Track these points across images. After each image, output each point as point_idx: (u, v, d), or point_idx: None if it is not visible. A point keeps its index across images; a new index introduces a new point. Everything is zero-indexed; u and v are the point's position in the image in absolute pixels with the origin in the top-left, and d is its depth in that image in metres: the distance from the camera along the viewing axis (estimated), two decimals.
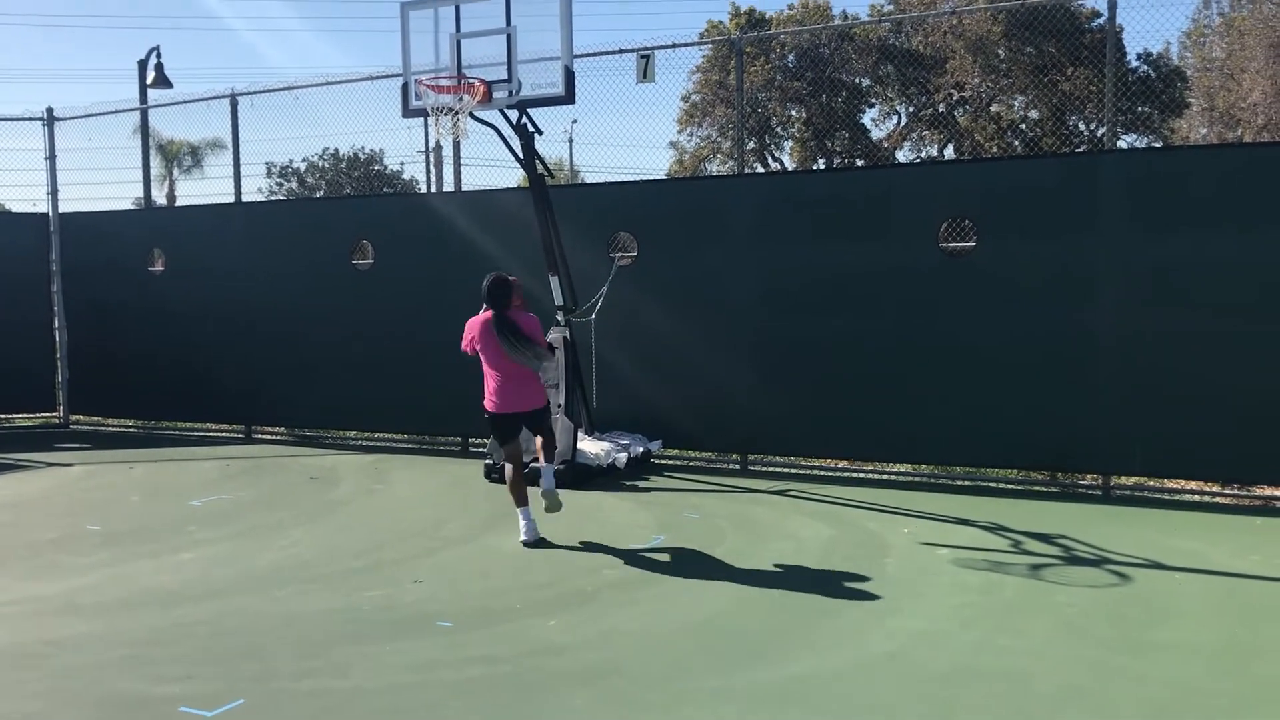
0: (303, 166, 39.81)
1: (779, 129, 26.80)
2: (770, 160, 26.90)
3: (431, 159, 22.96)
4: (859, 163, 25.48)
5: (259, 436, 12.07)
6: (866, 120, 26.82)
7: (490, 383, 7.03)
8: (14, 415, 13.38)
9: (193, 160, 36.98)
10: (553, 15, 8.34)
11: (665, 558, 6.75)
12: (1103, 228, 8.23)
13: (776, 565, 6.55)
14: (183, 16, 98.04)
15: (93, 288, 12.80)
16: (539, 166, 9.08)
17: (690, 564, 6.62)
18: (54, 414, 13.30)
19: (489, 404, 7.07)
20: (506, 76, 8.46)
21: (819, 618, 5.54)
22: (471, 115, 8.60)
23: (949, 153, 25.54)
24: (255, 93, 11.64)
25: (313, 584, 6.29)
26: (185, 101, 12.29)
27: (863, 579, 6.21)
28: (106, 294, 12.66)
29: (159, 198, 39.14)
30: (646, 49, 9.64)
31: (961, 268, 8.86)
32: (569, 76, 8.34)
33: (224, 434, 12.35)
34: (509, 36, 8.40)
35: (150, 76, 18.29)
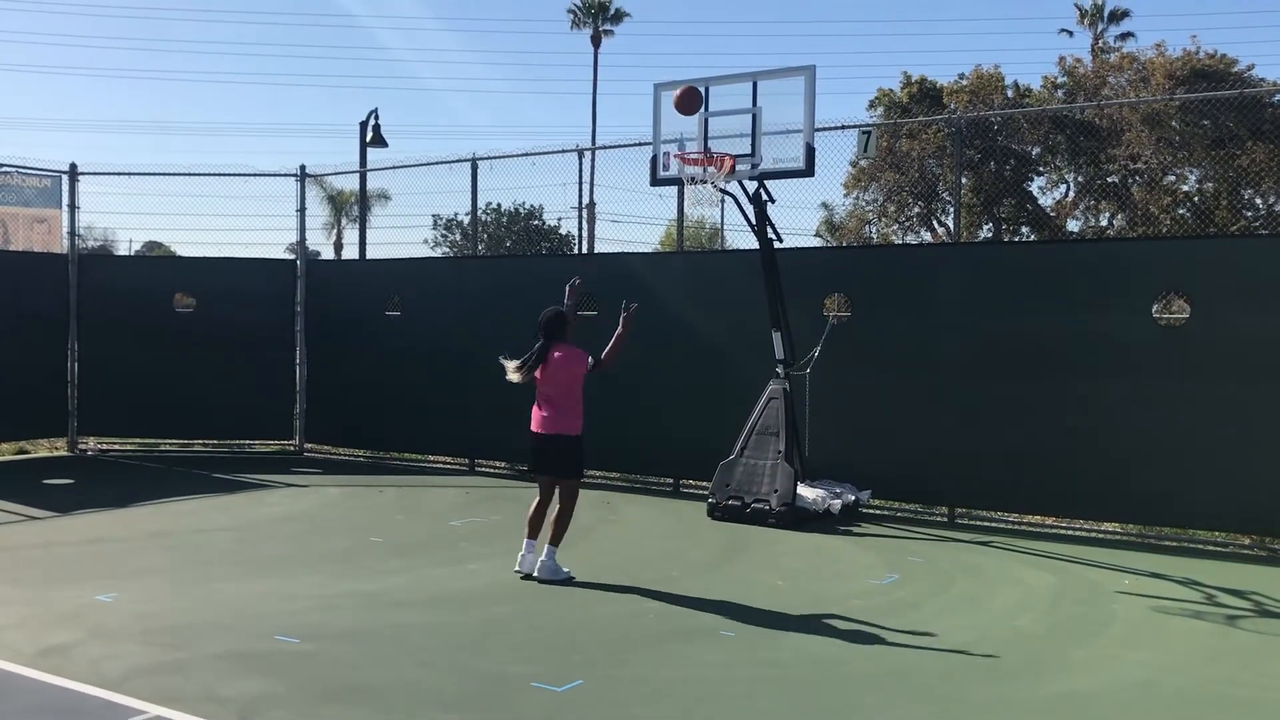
0: (465, 220, 41.88)
1: (945, 195, 27.33)
2: (936, 224, 27.42)
3: (584, 215, 24.36)
4: (1024, 230, 25.90)
5: (480, 469, 13.13)
6: (1033, 189, 27.16)
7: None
8: (254, 441, 14.80)
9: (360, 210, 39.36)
10: (795, 95, 9.18)
11: (904, 594, 7.38)
12: None
13: (1012, 604, 7.12)
14: (380, 78, 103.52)
15: (332, 329, 14.13)
16: (770, 232, 9.91)
17: (930, 600, 7.24)
18: (290, 442, 14.64)
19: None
20: (749, 151, 9.33)
21: (1068, 648, 6.10)
22: (712, 184, 9.52)
23: (1118, 223, 25.65)
24: (495, 157, 12.85)
25: (592, 593, 7.14)
26: (428, 164, 13.57)
27: (1099, 619, 6.74)
28: (344, 335, 13.95)
29: (327, 246, 41.56)
30: (867, 126, 10.45)
31: (1173, 337, 9.31)
32: (809, 152, 9.17)
33: (448, 465, 13.46)
34: (754, 116, 9.28)
35: (369, 136, 19.94)
